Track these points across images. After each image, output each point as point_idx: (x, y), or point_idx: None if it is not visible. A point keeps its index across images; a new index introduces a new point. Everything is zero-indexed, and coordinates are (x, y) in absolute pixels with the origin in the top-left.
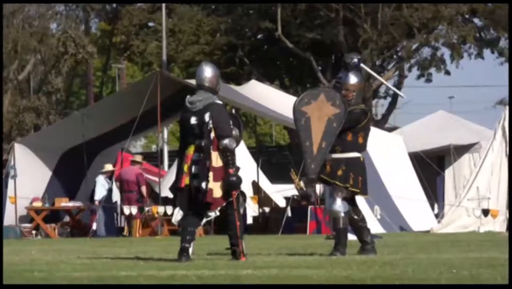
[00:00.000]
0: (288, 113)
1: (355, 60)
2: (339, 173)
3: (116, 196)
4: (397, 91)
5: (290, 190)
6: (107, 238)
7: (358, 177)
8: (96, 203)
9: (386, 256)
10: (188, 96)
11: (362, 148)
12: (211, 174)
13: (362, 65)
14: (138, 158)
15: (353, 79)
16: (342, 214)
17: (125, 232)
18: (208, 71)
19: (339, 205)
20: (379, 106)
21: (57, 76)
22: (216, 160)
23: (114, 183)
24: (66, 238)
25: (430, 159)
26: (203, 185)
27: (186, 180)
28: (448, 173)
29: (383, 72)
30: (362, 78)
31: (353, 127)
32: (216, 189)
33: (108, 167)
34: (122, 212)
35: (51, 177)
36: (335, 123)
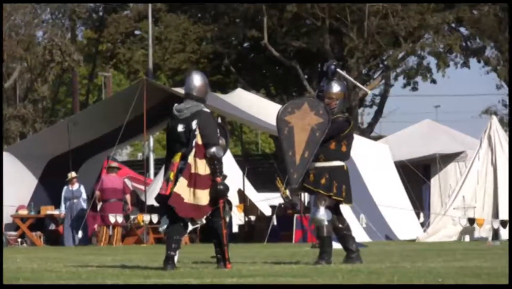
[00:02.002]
0: (274, 121)
1: (332, 66)
2: (323, 181)
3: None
4: (363, 87)
5: (276, 198)
6: (93, 246)
7: (342, 186)
8: (62, 214)
9: (371, 264)
10: (175, 105)
11: (345, 156)
12: (182, 179)
13: (338, 70)
14: (114, 164)
15: (335, 87)
16: (326, 222)
17: (97, 241)
18: (197, 80)
19: (323, 214)
20: (365, 115)
21: (43, 84)
22: (204, 168)
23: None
24: (51, 246)
25: (416, 167)
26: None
27: (171, 188)
28: (434, 182)
29: (369, 81)
30: (345, 87)
31: (336, 135)
32: (203, 196)
33: (70, 175)
34: (103, 221)
35: (37, 185)
36: (318, 132)
